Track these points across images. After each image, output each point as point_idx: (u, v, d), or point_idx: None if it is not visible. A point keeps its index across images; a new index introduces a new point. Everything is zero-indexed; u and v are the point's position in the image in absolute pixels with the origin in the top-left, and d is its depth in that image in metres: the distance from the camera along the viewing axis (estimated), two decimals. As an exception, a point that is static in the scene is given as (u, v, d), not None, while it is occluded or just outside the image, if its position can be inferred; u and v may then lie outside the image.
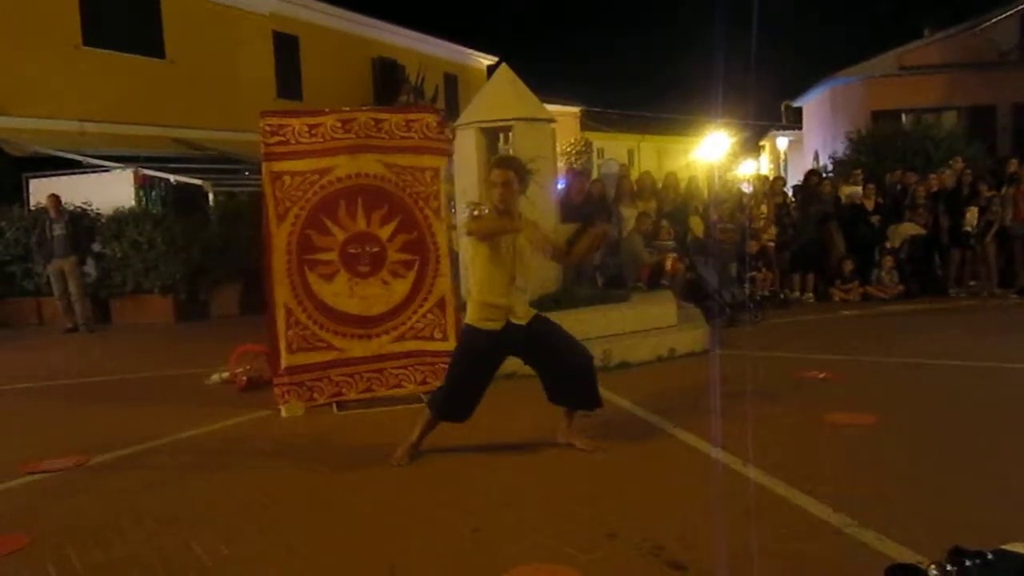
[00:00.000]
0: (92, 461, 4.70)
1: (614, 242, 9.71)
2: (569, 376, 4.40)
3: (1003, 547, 1.02)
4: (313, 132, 5.74)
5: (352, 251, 5.82)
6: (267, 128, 5.70)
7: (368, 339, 5.86)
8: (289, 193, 5.72)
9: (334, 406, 5.68)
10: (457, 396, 4.37)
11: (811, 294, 10.59)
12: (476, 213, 4.18)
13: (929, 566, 0.91)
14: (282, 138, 5.72)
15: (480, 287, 4.26)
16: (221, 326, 10.70)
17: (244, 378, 6.48)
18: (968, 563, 0.96)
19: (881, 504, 3.46)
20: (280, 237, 5.71)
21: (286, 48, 18.87)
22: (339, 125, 5.75)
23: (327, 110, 5.95)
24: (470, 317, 4.31)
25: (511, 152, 7.59)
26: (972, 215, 10.42)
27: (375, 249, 5.86)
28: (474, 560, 3.13)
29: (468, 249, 4.48)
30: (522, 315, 4.29)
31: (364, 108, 6.28)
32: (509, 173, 4.20)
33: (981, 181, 10.83)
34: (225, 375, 6.67)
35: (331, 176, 5.77)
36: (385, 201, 5.87)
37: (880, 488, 3.69)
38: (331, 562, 3.18)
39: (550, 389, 4.48)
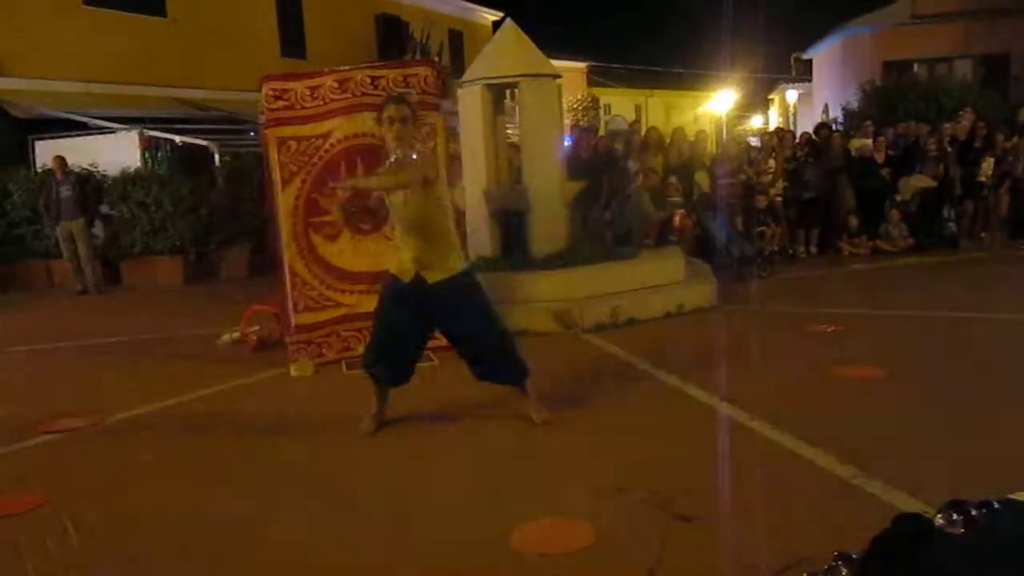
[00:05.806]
0: (106, 421, 4.75)
1: (622, 199, 9.66)
2: (480, 353, 4.17)
3: (1010, 496, 1.02)
4: (315, 95, 5.69)
5: (353, 210, 5.80)
6: (271, 93, 5.65)
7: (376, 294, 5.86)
8: (295, 158, 5.69)
9: (343, 365, 5.70)
10: (375, 347, 4.22)
11: (813, 248, 10.51)
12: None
13: (936, 515, 0.91)
14: (287, 103, 5.67)
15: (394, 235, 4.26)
16: (230, 287, 10.71)
17: (255, 338, 6.52)
18: (975, 512, 0.96)
19: (888, 455, 3.47)
20: (286, 201, 5.70)
21: (289, 6, 18.62)
22: (336, 86, 5.68)
23: (326, 70, 5.88)
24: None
25: (517, 109, 7.55)
26: (988, 165, 10.28)
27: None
28: (486, 514, 3.17)
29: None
30: (430, 273, 3.99)
31: (361, 66, 6.19)
32: (406, 109, 3.98)
33: (997, 131, 10.66)
34: (236, 335, 6.71)
35: (332, 139, 5.73)
36: (384, 160, 5.81)
37: (887, 440, 3.71)
38: (344, 518, 3.22)
39: (471, 366, 4.25)
